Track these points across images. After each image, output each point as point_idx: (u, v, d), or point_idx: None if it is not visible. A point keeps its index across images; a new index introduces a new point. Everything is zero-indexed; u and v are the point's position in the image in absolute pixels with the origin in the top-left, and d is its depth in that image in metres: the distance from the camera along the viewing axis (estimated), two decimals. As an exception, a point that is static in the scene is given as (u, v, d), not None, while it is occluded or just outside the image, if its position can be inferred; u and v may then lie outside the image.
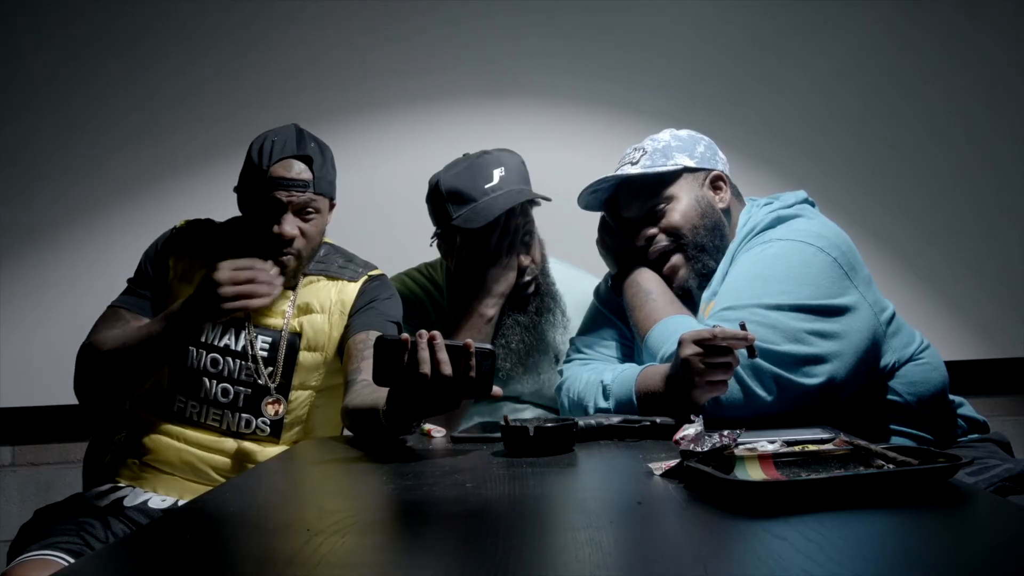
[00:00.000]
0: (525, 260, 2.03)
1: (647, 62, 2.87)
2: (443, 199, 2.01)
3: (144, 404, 1.92)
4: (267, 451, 1.90)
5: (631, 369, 1.79)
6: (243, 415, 1.90)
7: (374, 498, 1.32)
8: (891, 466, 1.17)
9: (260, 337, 1.91)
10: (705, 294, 1.82)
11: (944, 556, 0.92)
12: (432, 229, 2.09)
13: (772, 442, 1.27)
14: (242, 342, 1.90)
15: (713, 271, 1.84)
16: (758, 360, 1.58)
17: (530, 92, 2.84)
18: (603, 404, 1.78)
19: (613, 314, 2.00)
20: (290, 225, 1.88)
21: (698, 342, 1.53)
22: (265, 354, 1.90)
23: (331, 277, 1.99)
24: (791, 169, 2.85)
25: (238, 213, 1.96)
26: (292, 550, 0.99)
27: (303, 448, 1.77)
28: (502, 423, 1.54)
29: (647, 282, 1.88)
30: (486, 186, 1.97)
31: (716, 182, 1.91)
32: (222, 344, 1.90)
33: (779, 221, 1.80)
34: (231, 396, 1.89)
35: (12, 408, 2.67)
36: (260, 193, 1.86)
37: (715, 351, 1.52)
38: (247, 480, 1.50)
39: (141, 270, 1.97)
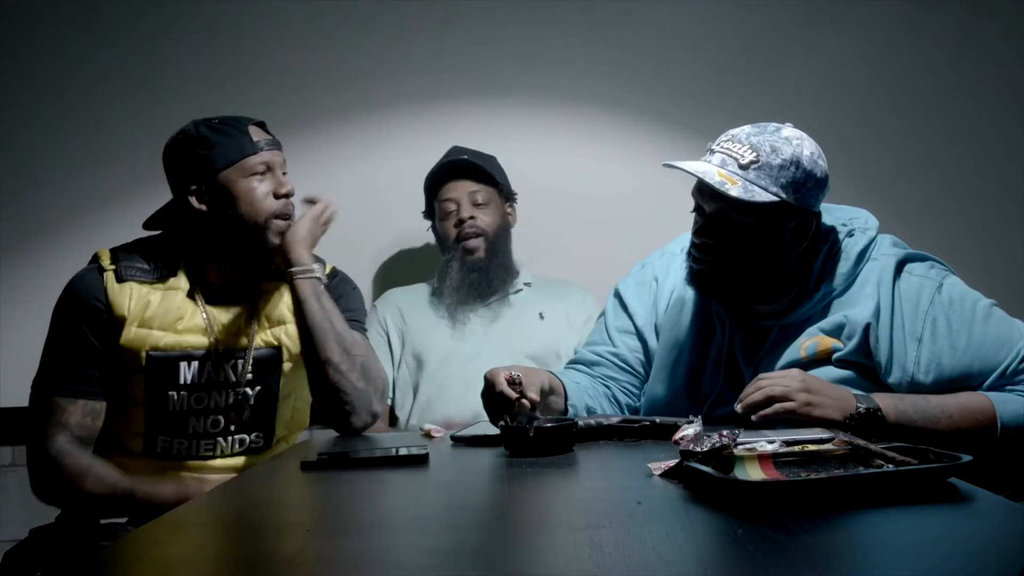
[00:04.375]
0: (466, 212, 2.40)
1: (646, 62, 2.86)
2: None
3: (116, 448, 1.85)
4: (264, 458, 1.88)
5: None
6: (236, 436, 1.87)
7: (373, 498, 1.32)
8: (890, 466, 1.17)
9: (239, 362, 1.85)
10: (811, 328, 1.75)
11: (944, 555, 0.92)
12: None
13: (771, 442, 1.27)
14: (223, 373, 1.84)
15: (733, 295, 1.79)
16: None
17: (529, 92, 2.83)
18: None
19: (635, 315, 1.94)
20: (288, 181, 1.86)
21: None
22: (251, 376, 1.85)
23: None
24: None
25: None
26: (292, 550, 1.00)
27: (301, 450, 1.76)
28: (502, 423, 1.54)
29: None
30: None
31: (804, 223, 1.74)
32: (203, 380, 1.83)
33: (910, 259, 1.80)
34: (222, 425, 1.85)
35: (12, 408, 2.66)
36: (251, 161, 1.81)
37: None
38: (246, 482, 1.50)
39: (77, 332, 1.79)
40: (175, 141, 1.86)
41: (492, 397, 1.63)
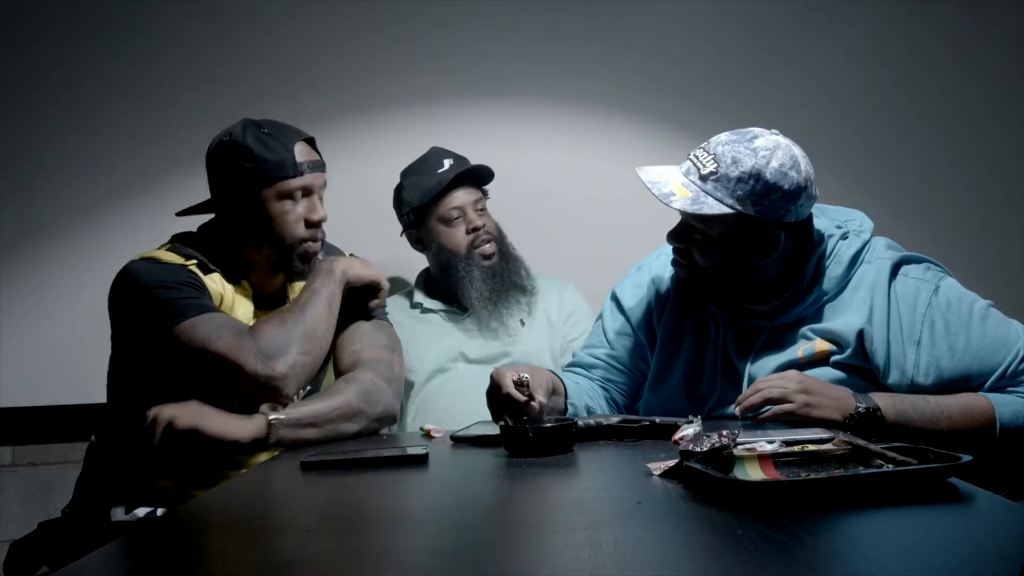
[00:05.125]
0: (478, 220, 2.39)
1: (646, 62, 2.86)
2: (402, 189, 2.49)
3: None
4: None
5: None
6: None
7: (374, 498, 1.32)
8: (890, 466, 1.17)
9: None
10: (803, 329, 1.76)
11: (944, 555, 0.92)
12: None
13: (771, 442, 1.27)
14: None
15: (711, 298, 1.81)
16: None
17: (529, 92, 2.83)
18: None
19: (632, 317, 1.94)
20: (322, 207, 1.85)
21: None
22: None
23: None
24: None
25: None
26: (292, 550, 1.00)
27: (302, 449, 1.76)
28: (502, 423, 1.54)
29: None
30: (439, 171, 2.41)
31: (771, 233, 1.73)
32: None
33: (905, 261, 1.79)
34: None
35: (12, 408, 2.66)
36: (290, 184, 1.80)
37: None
38: (246, 481, 1.51)
39: (192, 287, 1.77)
40: (220, 143, 1.84)
41: (499, 399, 1.63)
